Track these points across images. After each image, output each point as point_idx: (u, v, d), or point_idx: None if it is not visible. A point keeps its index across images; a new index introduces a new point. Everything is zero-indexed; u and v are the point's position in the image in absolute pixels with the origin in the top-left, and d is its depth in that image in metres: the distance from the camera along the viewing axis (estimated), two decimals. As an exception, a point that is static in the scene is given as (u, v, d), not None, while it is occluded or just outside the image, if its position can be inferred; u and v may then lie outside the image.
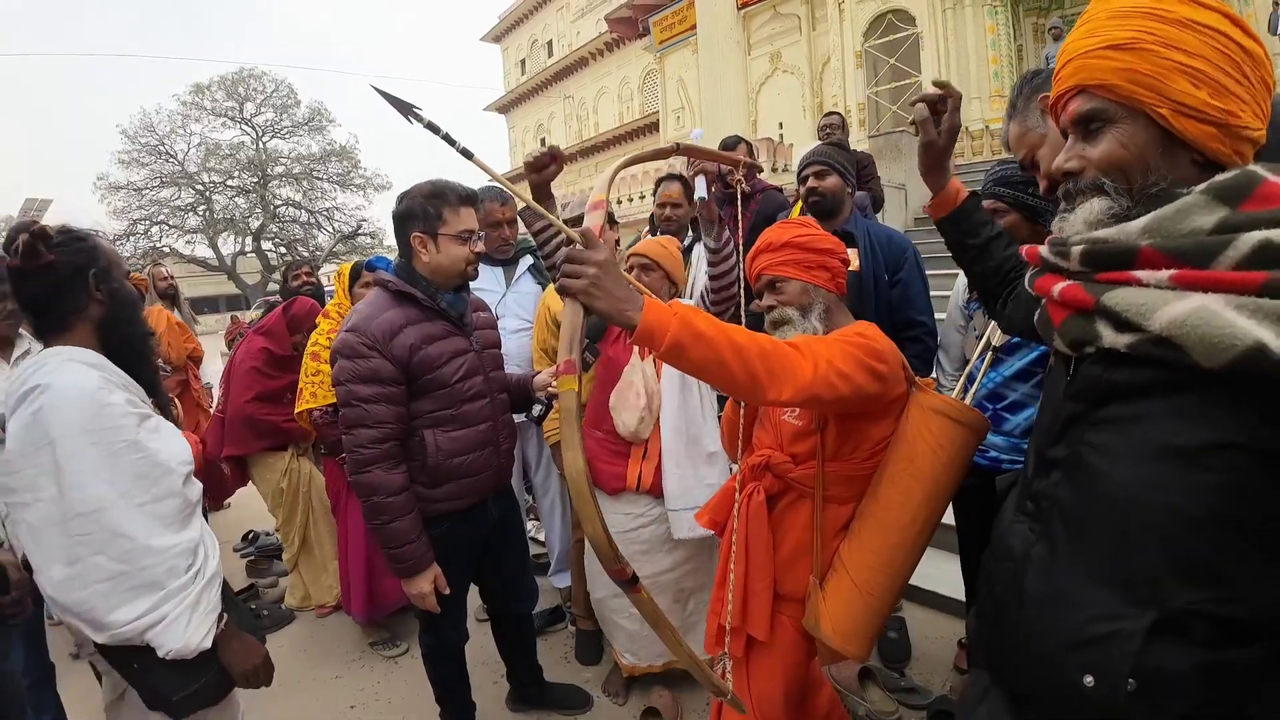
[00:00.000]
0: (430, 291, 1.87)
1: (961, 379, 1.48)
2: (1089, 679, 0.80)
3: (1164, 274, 0.74)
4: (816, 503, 1.47)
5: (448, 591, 1.88)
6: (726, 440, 1.85)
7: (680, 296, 2.37)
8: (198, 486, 1.46)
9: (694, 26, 8.44)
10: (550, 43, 30.31)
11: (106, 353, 1.38)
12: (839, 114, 4.95)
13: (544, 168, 1.83)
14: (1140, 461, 0.78)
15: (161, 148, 26.83)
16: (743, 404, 1.66)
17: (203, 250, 28.26)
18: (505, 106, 33.77)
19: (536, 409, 2.20)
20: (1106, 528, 0.82)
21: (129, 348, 1.42)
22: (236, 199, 27.97)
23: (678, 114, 21.11)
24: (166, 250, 26.79)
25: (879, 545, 1.37)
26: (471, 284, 2.04)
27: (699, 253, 3.03)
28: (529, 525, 3.46)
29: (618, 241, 4.19)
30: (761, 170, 1.99)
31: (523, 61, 32.34)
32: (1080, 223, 0.85)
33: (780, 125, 18.40)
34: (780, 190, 4.33)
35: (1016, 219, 1.85)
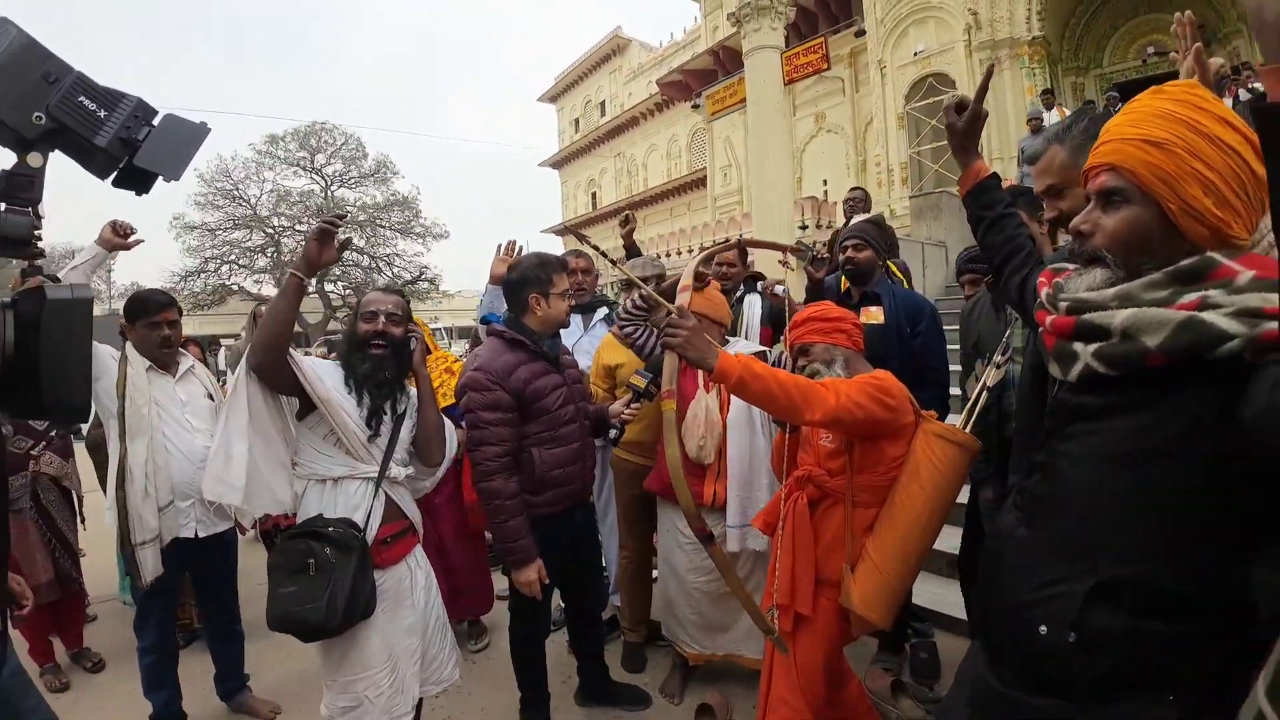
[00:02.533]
0: (535, 339, 2.33)
1: (964, 412, 1.86)
2: (1043, 628, 0.99)
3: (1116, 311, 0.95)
4: (847, 506, 1.87)
5: (547, 581, 2.27)
6: (776, 460, 2.25)
7: (728, 333, 2.79)
8: None
9: (744, 100, 9.08)
10: (603, 103, 31.84)
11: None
12: (862, 189, 5.42)
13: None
14: (1094, 464, 0.99)
15: (236, 192, 28.18)
16: (788, 430, 2.08)
17: (269, 289, 29.64)
18: (559, 163, 35.33)
19: (613, 433, 2.62)
20: (1067, 514, 1.03)
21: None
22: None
23: (725, 171, 21.94)
24: (235, 288, 28.28)
25: (894, 537, 1.75)
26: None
27: (749, 302, 3.51)
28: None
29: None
30: (806, 253, 2.51)
31: (576, 120, 33.94)
32: (1082, 288, 1.03)
33: (824, 182, 19.00)
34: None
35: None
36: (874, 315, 2.56)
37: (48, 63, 0.60)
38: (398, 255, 30.14)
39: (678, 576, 2.69)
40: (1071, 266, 1.13)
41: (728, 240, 2.98)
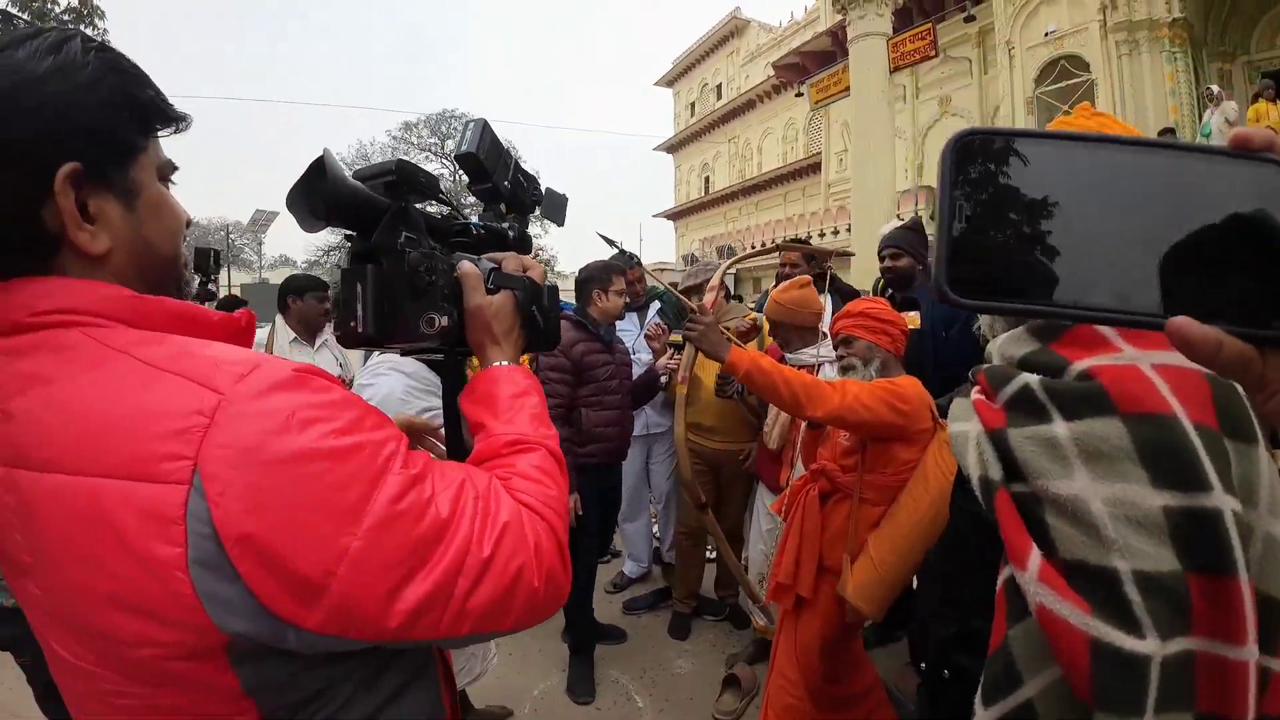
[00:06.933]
0: (593, 324, 2.93)
1: None
2: (923, 665, 1.10)
3: (974, 396, 0.90)
4: (854, 502, 1.99)
5: (581, 513, 2.72)
6: (804, 452, 2.39)
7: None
8: None
9: (848, 89, 8.84)
10: (719, 86, 31.61)
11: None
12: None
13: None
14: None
15: (373, 175, 30.84)
16: (804, 425, 2.23)
17: (401, 267, 31.90)
18: (673, 147, 35.50)
19: (664, 379, 3.22)
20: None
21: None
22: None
23: (840, 156, 21.29)
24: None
25: (894, 536, 1.86)
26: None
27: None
28: (654, 525, 4.13)
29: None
30: (831, 255, 2.65)
31: (692, 104, 33.92)
32: (985, 322, 1.04)
33: (948, 169, 18.02)
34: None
35: None
36: (912, 320, 2.63)
37: (503, 151, 0.93)
38: (516, 237, 31.51)
39: (764, 541, 2.98)
40: None
41: (766, 245, 3.17)
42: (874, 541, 1.91)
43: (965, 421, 0.88)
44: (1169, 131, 8.00)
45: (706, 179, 33.22)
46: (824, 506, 2.08)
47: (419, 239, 0.79)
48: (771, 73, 24.56)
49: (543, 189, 1.03)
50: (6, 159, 0.52)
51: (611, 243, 2.45)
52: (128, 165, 0.59)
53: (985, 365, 0.92)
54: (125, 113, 0.58)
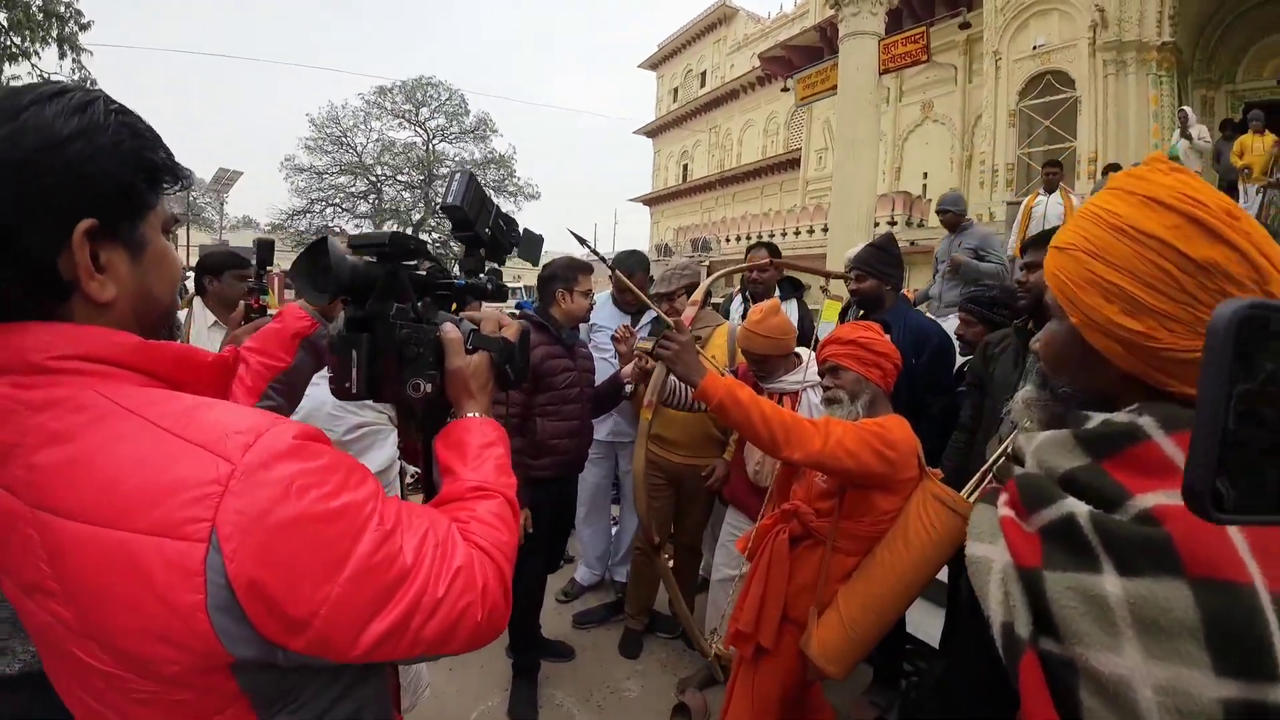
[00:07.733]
0: (554, 327, 2.71)
1: (976, 476, 1.73)
2: None
3: (1003, 510, 0.74)
4: (826, 550, 1.84)
5: (531, 529, 2.54)
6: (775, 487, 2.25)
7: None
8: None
9: (835, 87, 8.68)
10: (704, 73, 31.29)
11: None
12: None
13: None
14: None
15: (344, 139, 29.76)
16: (777, 462, 2.07)
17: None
18: (653, 131, 35.10)
19: (629, 388, 3.02)
20: None
21: None
22: (404, 192, 30.70)
23: (820, 154, 21.27)
24: (338, 230, 29.84)
25: (867, 593, 1.71)
26: (602, 323, 3.00)
27: (785, 309, 3.47)
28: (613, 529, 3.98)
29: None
30: (830, 276, 2.50)
31: (675, 90, 33.53)
32: (1020, 399, 0.89)
33: (925, 175, 18.16)
34: None
35: (982, 330, 2.48)
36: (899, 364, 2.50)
37: (486, 200, 0.99)
38: (489, 212, 31.05)
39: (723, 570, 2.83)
40: None
41: (757, 258, 3.00)
42: (844, 596, 1.76)
43: (989, 544, 0.73)
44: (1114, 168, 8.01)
45: (685, 167, 32.97)
46: (793, 550, 1.92)
47: (408, 305, 0.89)
48: (757, 64, 24.34)
49: (520, 229, 1.10)
50: (32, 212, 0.58)
51: (583, 241, 2.26)
52: (138, 221, 0.65)
53: (1017, 471, 0.76)
54: (141, 174, 0.64)
